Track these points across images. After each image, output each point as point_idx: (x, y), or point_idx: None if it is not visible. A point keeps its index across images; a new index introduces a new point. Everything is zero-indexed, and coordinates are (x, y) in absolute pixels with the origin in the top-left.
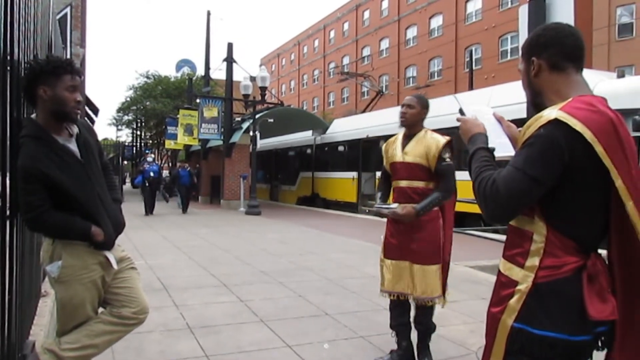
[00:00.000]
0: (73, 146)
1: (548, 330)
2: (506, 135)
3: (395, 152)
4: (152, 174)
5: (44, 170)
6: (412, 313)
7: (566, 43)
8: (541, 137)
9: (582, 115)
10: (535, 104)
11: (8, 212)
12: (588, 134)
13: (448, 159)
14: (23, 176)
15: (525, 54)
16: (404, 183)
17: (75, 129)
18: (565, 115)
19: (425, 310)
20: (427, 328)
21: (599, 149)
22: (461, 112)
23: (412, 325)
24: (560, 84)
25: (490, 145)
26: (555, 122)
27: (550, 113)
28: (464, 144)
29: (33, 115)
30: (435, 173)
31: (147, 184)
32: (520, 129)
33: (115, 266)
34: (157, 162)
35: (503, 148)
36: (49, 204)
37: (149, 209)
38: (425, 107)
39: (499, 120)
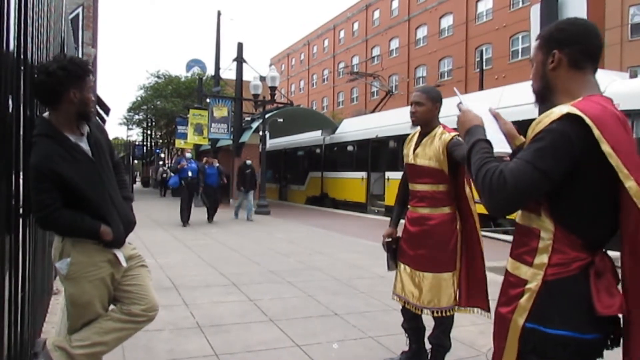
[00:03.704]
0: (85, 145)
1: (560, 329)
2: (502, 132)
3: (409, 152)
4: (190, 173)
5: (56, 170)
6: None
7: (592, 43)
8: (553, 131)
9: (593, 112)
10: (542, 97)
11: (21, 211)
12: (596, 132)
13: (458, 137)
14: (35, 175)
15: (545, 44)
16: (413, 185)
17: (86, 128)
18: (577, 111)
19: (441, 326)
20: (439, 345)
21: (605, 148)
22: (460, 105)
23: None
24: (574, 82)
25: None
26: (567, 117)
27: (562, 109)
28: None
29: (45, 114)
30: (454, 161)
31: (184, 186)
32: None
33: (124, 264)
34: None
35: (499, 144)
36: (60, 203)
37: (187, 218)
38: (436, 100)
39: (495, 116)
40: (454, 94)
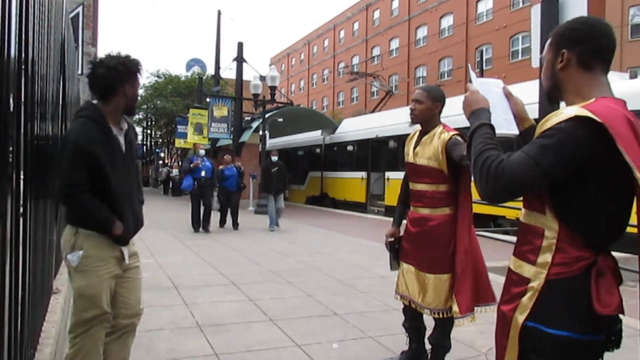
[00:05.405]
0: (122, 139)
1: (560, 329)
2: (512, 113)
3: (409, 151)
4: (204, 173)
5: (95, 153)
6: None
7: (601, 43)
8: (562, 131)
9: (604, 114)
10: (551, 97)
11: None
12: (611, 132)
13: (457, 137)
14: (75, 153)
15: (554, 43)
16: (413, 185)
17: (125, 125)
18: (588, 113)
19: (442, 326)
20: (440, 346)
21: (620, 147)
22: (471, 81)
23: (428, 340)
24: (584, 82)
25: (493, 122)
26: (577, 119)
27: (572, 110)
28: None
29: (95, 101)
30: (453, 161)
31: (196, 189)
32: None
33: (127, 261)
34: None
35: (507, 125)
36: (88, 185)
37: (204, 223)
38: (437, 99)
39: (507, 96)
40: (455, 94)
